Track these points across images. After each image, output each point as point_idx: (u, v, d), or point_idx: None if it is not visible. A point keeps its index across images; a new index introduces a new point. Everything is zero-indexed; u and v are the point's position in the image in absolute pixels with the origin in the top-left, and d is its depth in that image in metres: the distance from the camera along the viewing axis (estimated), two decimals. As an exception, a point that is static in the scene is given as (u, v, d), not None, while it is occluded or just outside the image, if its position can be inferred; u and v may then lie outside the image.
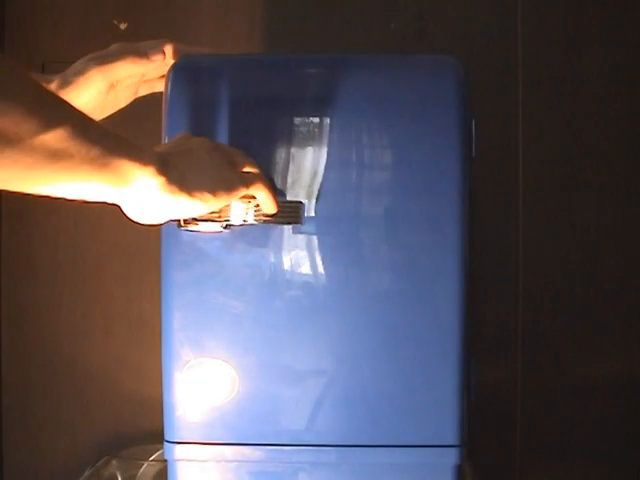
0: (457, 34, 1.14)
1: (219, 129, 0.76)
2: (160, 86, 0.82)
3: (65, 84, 0.75)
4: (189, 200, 0.61)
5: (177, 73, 0.77)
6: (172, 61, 0.80)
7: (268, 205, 0.70)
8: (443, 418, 0.76)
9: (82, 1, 1.17)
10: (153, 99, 0.82)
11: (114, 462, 1.11)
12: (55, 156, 0.50)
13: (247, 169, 0.69)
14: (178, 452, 0.77)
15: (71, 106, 0.54)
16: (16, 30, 1.17)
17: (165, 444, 0.78)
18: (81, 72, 0.75)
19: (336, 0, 1.16)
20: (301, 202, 0.74)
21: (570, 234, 1.14)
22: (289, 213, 0.73)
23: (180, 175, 0.61)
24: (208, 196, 0.63)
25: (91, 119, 0.55)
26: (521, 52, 1.14)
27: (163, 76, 0.82)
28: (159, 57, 0.78)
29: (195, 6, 1.16)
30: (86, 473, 1.11)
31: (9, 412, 1.18)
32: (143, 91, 0.84)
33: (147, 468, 1.09)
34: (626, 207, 1.14)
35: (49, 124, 0.49)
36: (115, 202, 0.59)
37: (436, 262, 0.75)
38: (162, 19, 1.16)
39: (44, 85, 0.56)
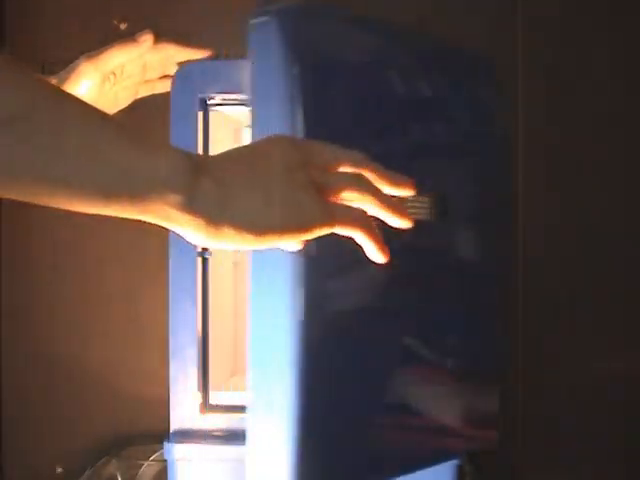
0: (457, 34, 1.14)
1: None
2: (160, 87, 0.82)
3: (59, 84, 0.75)
4: (240, 239, 0.44)
5: (181, 78, 0.77)
6: (173, 57, 0.80)
7: (371, 251, 0.48)
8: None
9: (82, 1, 1.17)
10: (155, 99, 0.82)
11: (114, 462, 1.11)
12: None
13: (346, 191, 0.48)
14: (178, 452, 0.77)
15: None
16: (16, 30, 1.17)
17: (165, 444, 0.78)
18: (72, 68, 0.76)
19: (336, 0, 1.16)
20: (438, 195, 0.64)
21: (570, 234, 1.14)
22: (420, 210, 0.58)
23: (221, 206, 0.43)
24: (270, 235, 0.44)
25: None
26: (521, 52, 1.14)
27: (164, 77, 0.82)
28: (146, 37, 0.77)
29: (196, 7, 1.16)
30: (86, 473, 1.11)
31: (9, 412, 1.17)
32: (143, 92, 0.84)
33: (147, 468, 1.09)
34: (626, 207, 1.14)
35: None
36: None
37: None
38: (162, 19, 1.16)
39: None
